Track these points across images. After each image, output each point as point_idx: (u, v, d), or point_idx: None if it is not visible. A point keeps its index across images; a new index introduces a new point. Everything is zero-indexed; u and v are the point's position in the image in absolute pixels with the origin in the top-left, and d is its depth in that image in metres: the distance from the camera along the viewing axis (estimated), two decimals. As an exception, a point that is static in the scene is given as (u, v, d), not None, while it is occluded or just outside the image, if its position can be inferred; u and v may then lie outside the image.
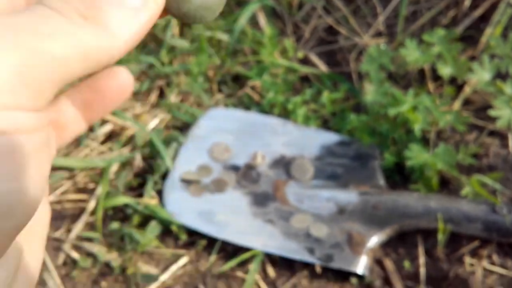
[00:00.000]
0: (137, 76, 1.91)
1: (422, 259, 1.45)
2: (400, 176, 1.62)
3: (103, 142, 1.74)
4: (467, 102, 1.72)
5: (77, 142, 1.74)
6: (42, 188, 0.41)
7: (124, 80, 0.69)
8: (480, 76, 1.61)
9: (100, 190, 1.56)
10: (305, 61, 1.96)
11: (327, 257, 1.39)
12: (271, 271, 1.41)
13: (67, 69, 0.40)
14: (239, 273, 1.40)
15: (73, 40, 0.40)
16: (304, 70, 1.89)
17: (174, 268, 1.41)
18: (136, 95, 1.89)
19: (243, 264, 1.41)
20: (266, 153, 1.60)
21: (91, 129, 1.76)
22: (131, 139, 1.74)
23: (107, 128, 1.75)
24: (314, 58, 1.94)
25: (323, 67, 1.92)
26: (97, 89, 0.71)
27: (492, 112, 1.54)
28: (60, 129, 0.68)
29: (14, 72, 0.36)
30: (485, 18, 1.82)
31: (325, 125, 1.77)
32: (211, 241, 1.44)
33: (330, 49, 1.98)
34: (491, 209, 1.44)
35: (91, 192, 1.60)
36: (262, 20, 2.00)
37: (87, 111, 0.67)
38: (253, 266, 1.37)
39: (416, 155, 1.52)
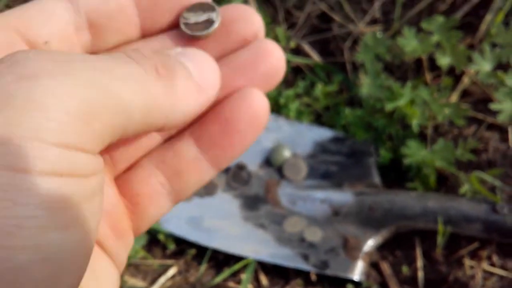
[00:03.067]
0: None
1: (420, 262, 1.40)
2: (396, 174, 1.56)
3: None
4: (465, 94, 1.65)
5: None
6: (95, 238, 0.39)
7: (258, 106, 0.62)
8: (481, 66, 1.54)
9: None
10: (297, 50, 1.88)
11: (322, 264, 1.33)
12: (264, 279, 1.36)
13: (129, 117, 0.41)
14: (231, 284, 1.34)
15: (143, 88, 0.44)
16: (297, 60, 1.81)
17: (162, 280, 1.35)
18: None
19: (235, 273, 1.35)
20: (257, 151, 1.54)
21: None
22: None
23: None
24: (307, 47, 1.86)
25: (316, 57, 1.83)
26: (224, 119, 0.63)
27: (493, 106, 1.47)
28: (178, 175, 0.61)
29: (81, 110, 0.36)
30: (484, 4, 1.73)
31: (318, 120, 1.70)
32: (201, 250, 1.38)
33: (324, 38, 1.89)
34: (492, 209, 1.38)
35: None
36: (253, 7, 1.91)
37: (213, 150, 0.61)
38: (245, 276, 1.32)
39: (413, 152, 1.46)
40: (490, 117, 1.57)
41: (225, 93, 0.63)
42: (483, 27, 1.68)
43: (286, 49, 1.85)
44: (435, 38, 1.59)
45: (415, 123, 1.48)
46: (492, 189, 1.48)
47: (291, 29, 1.93)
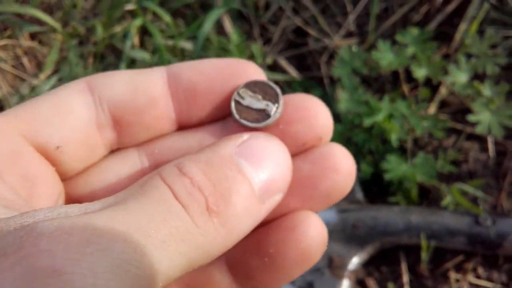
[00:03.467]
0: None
1: (405, 277, 1.39)
2: (379, 187, 1.55)
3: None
4: (443, 104, 1.65)
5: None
6: None
7: (312, 240, 0.54)
8: (456, 78, 1.54)
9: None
10: (274, 66, 1.87)
11: (308, 285, 1.32)
12: (248, 305, 1.33)
13: (167, 278, 0.41)
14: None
15: (187, 247, 0.43)
16: (274, 77, 1.79)
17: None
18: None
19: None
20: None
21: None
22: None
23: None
24: (284, 63, 1.85)
25: (293, 73, 1.82)
26: (268, 254, 0.55)
27: (471, 117, 1.47)
28: None
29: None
30: (458, 13, 1.74)
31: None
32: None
33: (300, 53, 1.88)
34: (475, 221, 1.38)
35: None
36: (228, 25, 1.89)
37: (251, 283, 0.56)
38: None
39: (394, 167, 1.45)
40: (469, 127, 1.57)
41: (274, 213, 0.54)
42: (458, 36, 1.69)
43: (262, 66, 1.83)
44: (410, 50, 1.59)
45: (394, 137, 1.47)
46: (474, 199, 1.48)
47: (267, 44, 1.92)
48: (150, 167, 0.58)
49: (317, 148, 0.56)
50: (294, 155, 0.56)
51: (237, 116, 0.56)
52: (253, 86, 0.57)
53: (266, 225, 0.55)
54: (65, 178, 0.56)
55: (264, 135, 0.53)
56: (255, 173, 0.49)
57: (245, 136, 0.52)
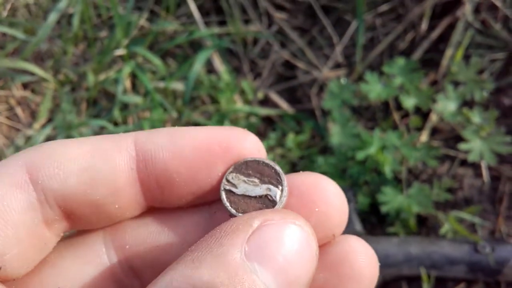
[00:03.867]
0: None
1: (409, 310, 1.39)
2: (377, 217, 1.56)
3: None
4: (435, 131, 1.66)
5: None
6: None
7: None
8: (445, 106, 1.55)
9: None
10: (265, 100, 1.89)
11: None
12: None
13: None
14: None
15: None
16: (266, 112, 1.81)
17: None
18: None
19: None
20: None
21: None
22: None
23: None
24: (274, 97, 1.87)
25: (285, 106, 1.84)
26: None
27: (462, 146, 1.48)
28: None
29: None
30: (444, 39, 1.76)
31: (294, 169, 1.70)
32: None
33: (290, 86, 1.90)
34: (474, 249, 1.38)
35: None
36: (218, 63, 1.91)
37: None
38: None
39: (389, 199, 1.46)
40: (462, 154, 1.59)
41: None
42: (444, 62, 1.71)
43: (253, 101, 1.85)
44: (397, 81, 1.61)
45: (387, 169, 1.49)
46: (472, 225, 1.49)
47: (257, 78, 1.94)
48: (119, 262, 0.49)
49: (330, 247, 0.47)
50: None
51: (233, 211, 0.46)
52: (245, 168, 0.47)
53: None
54: (10, 279, 0.48)
55: (281, 214, 0.43)
56: (275, 282, 0.40)
57: (255, 222, 0.42)
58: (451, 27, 1.75)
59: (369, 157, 1.51)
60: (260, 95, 1.88)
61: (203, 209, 0.51)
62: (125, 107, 1.85)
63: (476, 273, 1.38)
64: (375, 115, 1.74)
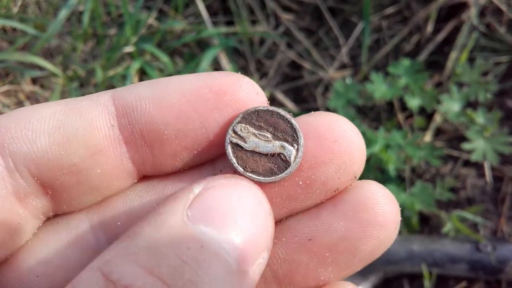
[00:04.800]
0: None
1: (410, 307, 1.40)
2: (380, 217, 1.57)
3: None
4: (439, 132, 1.68)
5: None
6: None
7: None
8: (449, 107, 1.57)
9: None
10: (271, 100, 1.91)
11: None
12: None
13: None
14: None
15: None
16: (271, 111, 1.82)
17: None
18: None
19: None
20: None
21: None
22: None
23: None
24: (280, 96, 1.89)
25: (290, 105, 1.86)
26: None
27: (465, 146, 1.49)
28: None
29: None
30: (448, 42, 1.78)
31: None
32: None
33: (296, 86, 1.92)
34: (475, 248, 1.39)
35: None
36: (225, 62, 1.94)
37: None
38: None
39: (393, 196, 1.47)
40: (465, 154, 1.60)
41: (302, 286, 0.43)
42: (449, 64, 1.73)
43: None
44: (402, 81, 1.63)
45: (391, 167, 1.50)
46: (475, 225, 1.50)
47: (264, 78, 1.96)
48: (108, 242, 0.43)
49: (349, 192, 0.43)
50: (319, 204, 0.43)
51: (240, 170, 0.41)
52: (256, 118, 0.42)
53: None
54: None
55: (221, 179, 0.39)
56: (225, 238, 0.36)
57: (196, 188, 0.38)
58: (456, 30, 1.77)
59: (373, 155, 1.52)
60: (266, 94, 1.90)
61: (206, 171, 0.45)
62: (132, 103, 1.87)
63: (477, 272, 1.39)
64: (380, 115, 1.76)
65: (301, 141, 0.41)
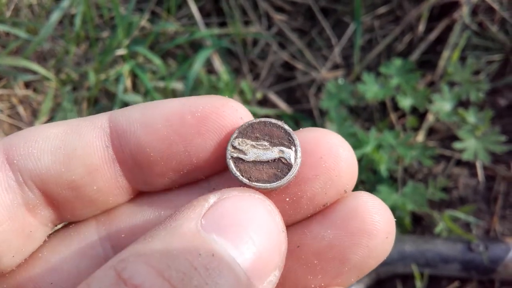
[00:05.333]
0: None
1: (402, 307, 1.40)
2: (372, 217, 1.57)
3: None
4: (431, 131, 1.68)
5: None
6: None
7: None
8: (441, 107, 1.57)
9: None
10: (264, 100, 1.91)
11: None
12: None
13: None
14: None
15: None
16: (264, 112, 1.83)
17: None
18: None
19: None
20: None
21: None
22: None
23: None
24: (273, 97, 1.88)
25: (283, 106, 1.86)
26: None
27: (457, 145, 1.49)
28: None
29: None
30: (441, 41, 1.78)
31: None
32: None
33: (289, 86, 1.92)
34: (467, 248, 1.39)
35: None
36: (218, 63, 1.94)
37: None
38: None
39: (384, 197, 1.47)
40: (457, 153, 1.60)
41: None
42: (441, 63, 1.72)
43: (252, 101, 1.87)
44: (394, 81, 1.62)
45: (383, 168, 1.50)
46: (467, 224, 1.50)
47: (257, 79, 1.96)
48: (115, 253, 0.46)
49: (339, 203, 0.44)
50: (309, 217, 0.44)
51: (246, 181, 0.43)
52: (251, 130, 0.44)
53: None
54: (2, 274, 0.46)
55: (237, 190, 0.41)
56: (237, 250, 0.37)
57: (211, 198, 0.40)
58: (448, 29, 1.76)
59: (364, 155, 1.52)
60: (259, 95, 1.90)
61: (202, 187, 0.47)
62: (125, 106, 1.87)
63: (470, 272, 1.38)
64: (372, 115, 1.75)
65: (297, 142, 0.43)
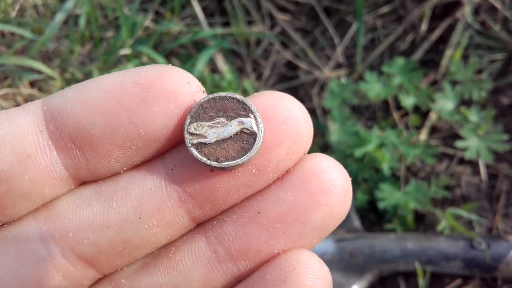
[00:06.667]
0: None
1: (405, 304, 1.41)
2: (376, 214, 1.58)
3: None
4: (434, 130, 1.68)
5: None
6: None
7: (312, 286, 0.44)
8: (443, 105, 1.57)
9: None
10: (267, 100, 1.91)
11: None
12: None
13: None
14: None
15: None
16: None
17: None
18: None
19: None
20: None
21: None
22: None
23: None
24: (276, 96, 1.89)
25: (286, 105, 1.86)
26: None
27: (459, 143, 1.50)
28: None
29: None
30: (443, 40, 1.79)
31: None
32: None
33: (292, 86, 1.93)
34: (470, 245, 1.40)
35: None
36: (221, 62, 1.95)
37: None
38: None
39: (387, 195, 1.48)
40: (460, 152, 1.60)
41: (253, 259, 0.43)
42: (444, 62, 1.73)
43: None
44: (397, 80, 1.63)
45: (385, 166, 1.51)
46: (470, 222, 1.50)
47: (260, 79, 1.97)
48: (62, 254, 0.43)
49: (297, 165, 0.43)
50: (269, 185, 0.43)
51: (215, 164, 0.41)
52: (203, 111, 0.42)
53: (246, 280, 0.44)
54: None
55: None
56: None
57: None
58: (451, 28, 1.77)
59: (367, 154, 1.53)
60: (262, 94, 1.91)
61: (157, 167, 0.44)
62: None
63: (472, 269, 1.39)
64: (375, 114, 1.76)
65: (253, 107, 0.42)
